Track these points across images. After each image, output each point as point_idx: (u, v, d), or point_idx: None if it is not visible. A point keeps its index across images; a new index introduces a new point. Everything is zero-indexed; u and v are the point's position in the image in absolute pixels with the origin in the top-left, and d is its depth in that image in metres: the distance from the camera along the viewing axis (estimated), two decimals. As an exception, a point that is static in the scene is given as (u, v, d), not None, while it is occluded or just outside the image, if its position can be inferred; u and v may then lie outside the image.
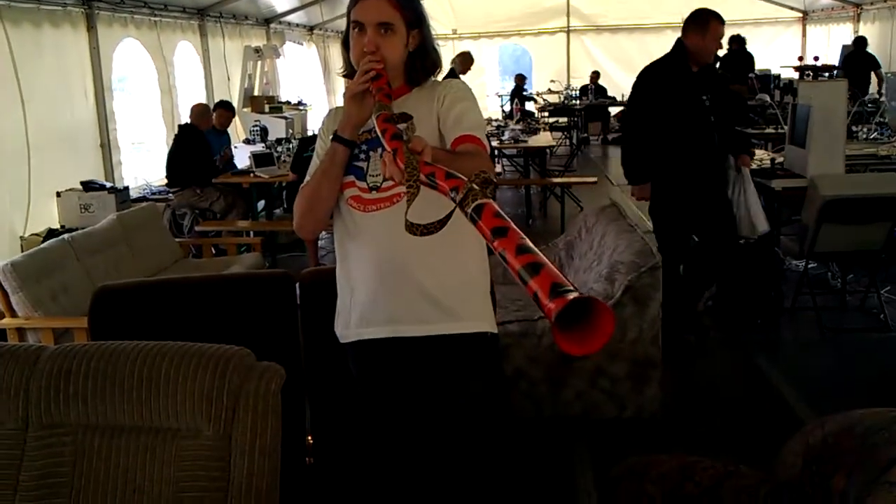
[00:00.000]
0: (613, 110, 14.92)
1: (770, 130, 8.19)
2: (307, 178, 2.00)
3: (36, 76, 6.09)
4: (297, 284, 2.72)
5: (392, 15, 1.88)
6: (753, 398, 3.89)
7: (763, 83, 10.18)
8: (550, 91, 14.96)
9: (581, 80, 15.14)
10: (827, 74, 7.55)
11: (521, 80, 14.04)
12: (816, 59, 10.21)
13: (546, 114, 13.69)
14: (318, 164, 1.98)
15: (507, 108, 13.62)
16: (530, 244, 1.09)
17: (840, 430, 1.76)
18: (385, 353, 1.97)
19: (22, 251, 5.31)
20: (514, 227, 1.14)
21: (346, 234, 1.98)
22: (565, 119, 13.43)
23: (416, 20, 1.94)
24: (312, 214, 1.97)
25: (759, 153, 6.31)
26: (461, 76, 9.01)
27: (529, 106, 13.75)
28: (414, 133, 1.52)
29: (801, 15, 15.50)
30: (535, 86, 15.72)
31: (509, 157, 10.02)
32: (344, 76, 2.04)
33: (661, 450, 3.30)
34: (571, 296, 0.97)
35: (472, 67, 9.29)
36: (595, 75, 14.68)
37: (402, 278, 1.90)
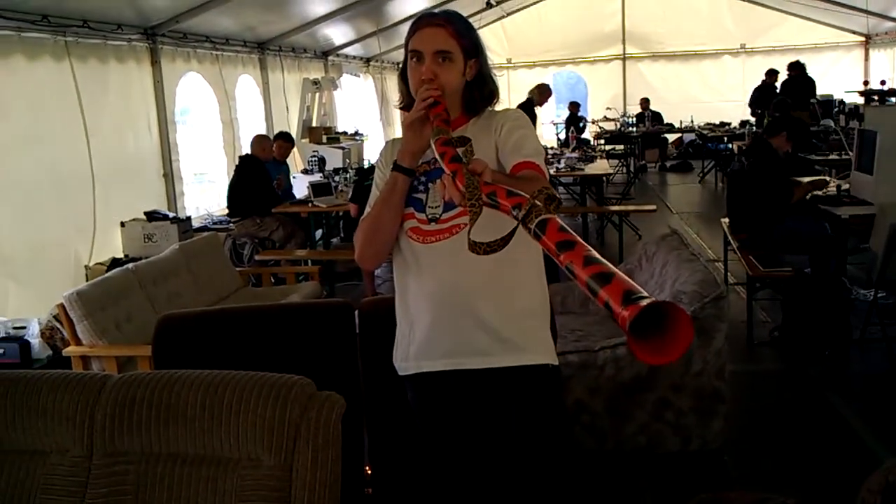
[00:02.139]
0: (671, 137, 14.80)
1: (834, 157, 8.02)
2: (367, 208, 2.00)
3: (101, 109, 6.26)
4: (357, 313, 2.71)
5: (450, 44, 1.88)
6: (822, 432, 3.77)
7: (825, 109, 10.01)
8: (606, 118, 14.89)
9: (638, 107, 15.05)
10: (894, 99, 7.37)
11: (575, 107, 14.00)
12: (883, 83, 9.98)
13: (602, 141, 13.63)
14: (377, 194, 1.98)
15: (563, 136, 13.60)
16: (598, 255, 1.06)
17: (923, 469, 1.68)
18: (445, 385, 1.94)
19: (87, 280, 5.43)
20: (581, 240, 1.11)
21: (405, 265, 1.97)
22: (622, 146, 13.36)
23: (474, 49, 1.94)
24: (374, 244, 1.96)
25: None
26: (538, 107, 9.13)
27: (585, 133, 13.71)
28: (473, 156, 1.51)
29: (863, 39, 15.22)
30: (590, 113, 15.68)
31: (566, 186, 9.97)
32: (401, 108, 2.04)
33: (728, 485, 3.23)
34: (645, 302, 0.94)
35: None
36: (645, 102, 14.58)
37: (461, 310, 1.88)
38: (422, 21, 1.91)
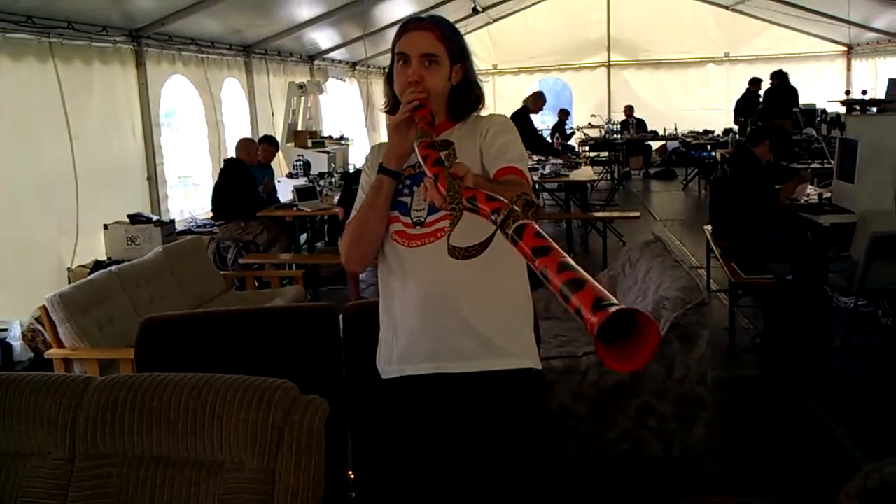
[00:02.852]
0: (655, 144, 14.87)
1: (816, 165, 8.09)
2: (353, 212, 2.00)
3: (85, 111, 6.23)
4: (341, 317, 2.71)
5: (437, 47, 1.89)
6: (803, 438, 3.80)
7: (808, 117, 10.08)
8: (591, 125, 14.95)
9: (622, 114, 15.13)
10: (875, 109, 7.44)
11: (564, 115, 14.02)
12: (864, 92, 10.06)
13: (587, 148, 13.68)
14: (363, 197, 1.99)
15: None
16: (572, 262, 1.08)
17: (900, 474, 1.70)
18: (428, 389, 1.94)
19: (69, 282, 5.40)
20: (556, 246, 1.12)
21: (389, 269, 1.98)
22: (606, 153, 13.41)
23: (460, 54, 1.95)
24: (360, 247, 1.96)
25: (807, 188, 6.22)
26: (533, 115, 9.19)
27: (570, 140, 13.75)
28: (455, 159, 1.52)
29: (845, 49, 15.37)
30: (575, 120, 15.73)
31: (550, 192, 10.00)
32: (386, 112, 2.05)
33: (710, 490, 3.25)
34: (614, 308, 0.95)
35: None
36: (629, 109, 14.65)
37: (445, 314, 1.88)
38: (409, 24, 1.92)
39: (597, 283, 1.02)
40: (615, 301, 0.97)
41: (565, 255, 1.10)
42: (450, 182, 1.38)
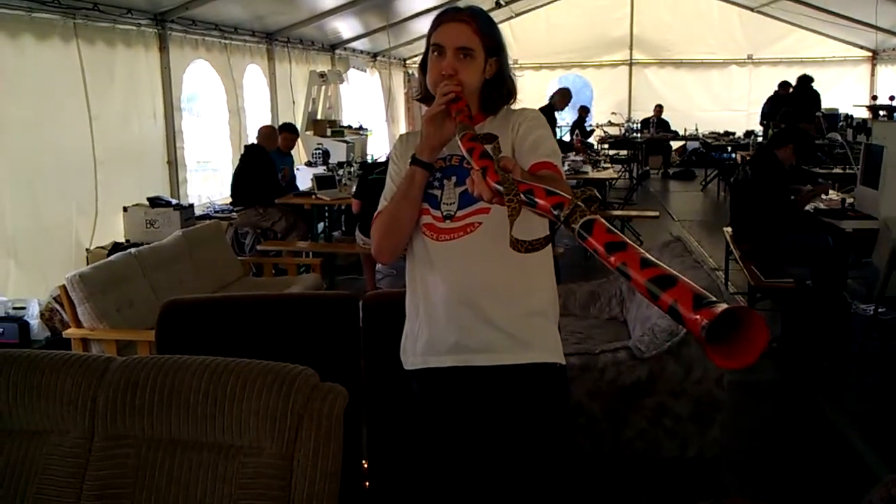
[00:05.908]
0: (674, 144, 14.78)
1: (838, 170, 8.03)
2: (382, 202, 1.99)
3: (106, 93, 6.24)
4: (360, 306, 2.70)
5: (473, 41, 1.88)
6: (818, 443, 3.77)
7: (830, 122, 10.01)
8: (611, 123, 14.87)
9: (642, 112, 15.04)
10: (902, 115, 7.39)
11: (584, 111, 13.94)
12: (892, 98, 9.94)
13: (606, 146, 13.62)
14: (393, 188, 1.98)
15: (567, 138, 13.58)
16: (652, 257, 1.04)
17: (925, 484, 1.68)
18: (452, 382, 1.93)
19: (87, 263, 5.41)
20: (629, 241, 1.09)
21: (418, 261, 1.97)
22: (625, 152, 13.35)
23: (496, 48, 1.94)
24: (392, 237, 1.95)
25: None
26: (559, 111, 9.24)
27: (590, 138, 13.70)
28: (500, 153, 1.50)
29: (870, 54, 15.23)
30: (595, 117, 15.65)
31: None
32: (418, 100, 2.03)
33: (724, 493, 3.23)
34: (720, 308, 0.91)
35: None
36: (659, 109, 14.57)
37: (472, 308, 1.87)
38: (446, 15, 1.91)
39: (687, 279, 0.98)
40: (714, 298, 0.94)
41: (642, 250, 1.06)
42: (503, 175, 1.35)
